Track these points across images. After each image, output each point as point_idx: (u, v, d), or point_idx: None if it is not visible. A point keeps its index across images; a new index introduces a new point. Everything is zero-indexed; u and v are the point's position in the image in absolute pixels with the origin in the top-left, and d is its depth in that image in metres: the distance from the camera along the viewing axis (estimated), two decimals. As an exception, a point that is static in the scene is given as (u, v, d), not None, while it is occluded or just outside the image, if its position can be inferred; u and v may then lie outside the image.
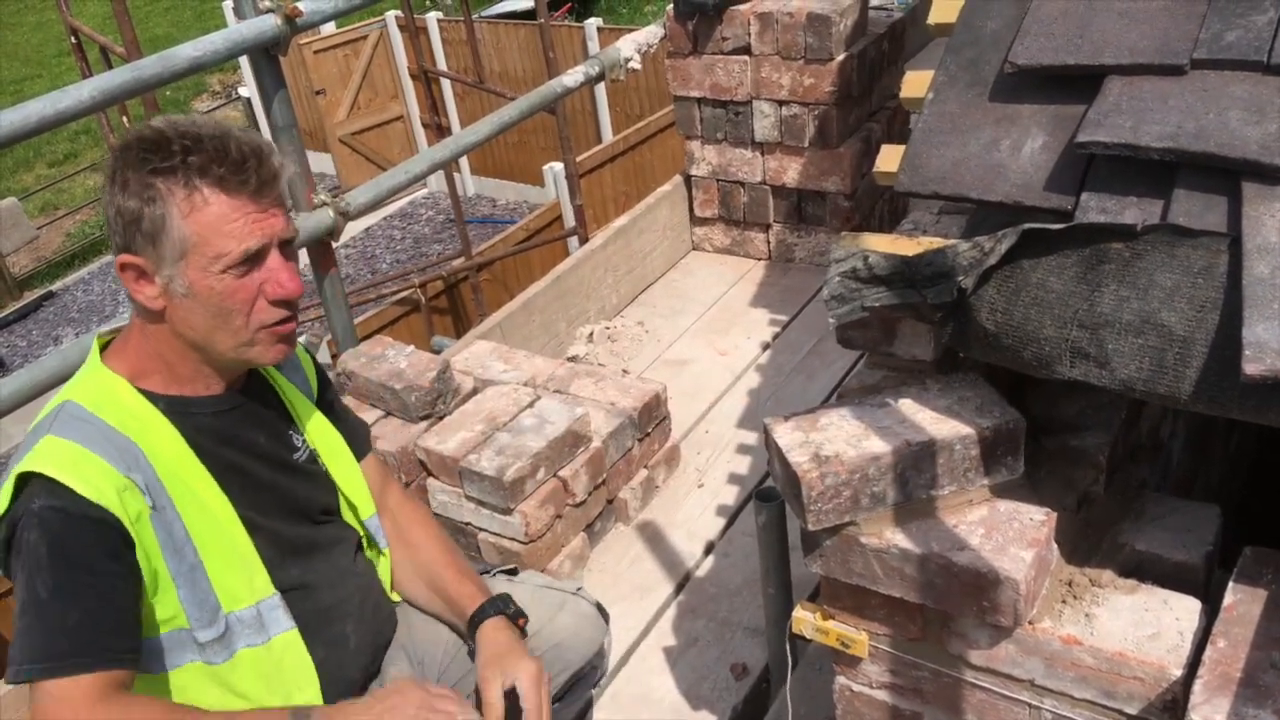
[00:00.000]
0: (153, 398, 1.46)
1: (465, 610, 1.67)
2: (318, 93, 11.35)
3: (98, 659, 1.36)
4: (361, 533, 1.71)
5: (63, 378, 2.30)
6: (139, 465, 1.42)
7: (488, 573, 1.86)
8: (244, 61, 12.18)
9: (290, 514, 1.59)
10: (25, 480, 1.35)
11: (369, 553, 1.72)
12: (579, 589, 1.86)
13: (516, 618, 1.67)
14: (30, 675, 1.34)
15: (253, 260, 1.41)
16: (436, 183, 11.57)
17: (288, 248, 1.46)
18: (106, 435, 1.41)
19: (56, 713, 1.34)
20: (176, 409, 1.47)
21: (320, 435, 1.68)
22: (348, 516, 1.69)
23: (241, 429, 1.54)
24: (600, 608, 1.89)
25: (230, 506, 1.50)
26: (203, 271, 1.39)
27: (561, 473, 2.61)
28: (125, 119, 6.07)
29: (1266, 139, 1.24)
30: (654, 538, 2.80)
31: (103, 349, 1.51)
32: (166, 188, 1.37)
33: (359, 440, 1.77)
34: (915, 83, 1.63)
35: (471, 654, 1.65)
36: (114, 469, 1.38)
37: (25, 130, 2.23)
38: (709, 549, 2.74)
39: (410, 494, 1.84)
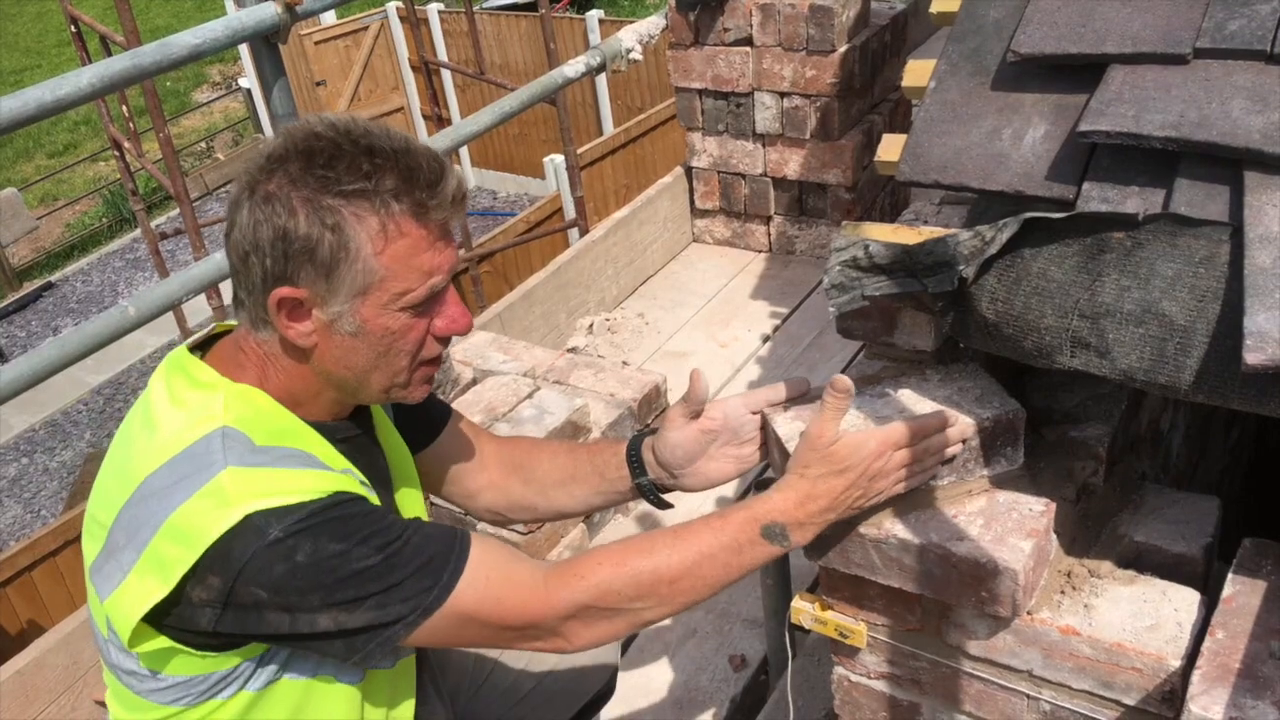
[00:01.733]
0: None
1: (619, 459, 1.58)
2: (318, 84, 11.35)
3: (464, 533, 1.26)
4: None
5: (60, 367, 2.30)
6: (334, 471, 1.26)
7: None
8: (244, 52, 12.18)
9: None
10: (232, 531, 1.13)
11: None
12: None
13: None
14: (429, 605, 1.21)
15: (435, 296, 1.26)
16: (437, 175, 11.55)
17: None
18: (287, 454, 1.23)
19: (514, 576, 1.26)
20: (317, 428, 1.31)
21: (395, 452, 1.54)
22: None
23: (362, 454, 1.39)
24: None
25: None
26: (380, 309, 1.22)
27: (561, 463, 2.61)
28: (125, 108, 6.06)
29: (1269, 128, 1.24)
30: (653, 529, 2.80)
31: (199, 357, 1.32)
32: (354, 214, 1.17)
33: (440, 414, 1.62)
34: (917, 71, 1.62)
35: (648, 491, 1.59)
36: (327, 471, 1.23)
37: (24, 117, 2.23)
38: (708, 540, 2.74)
39: (492, 433, 1.71)
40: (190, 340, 1.36)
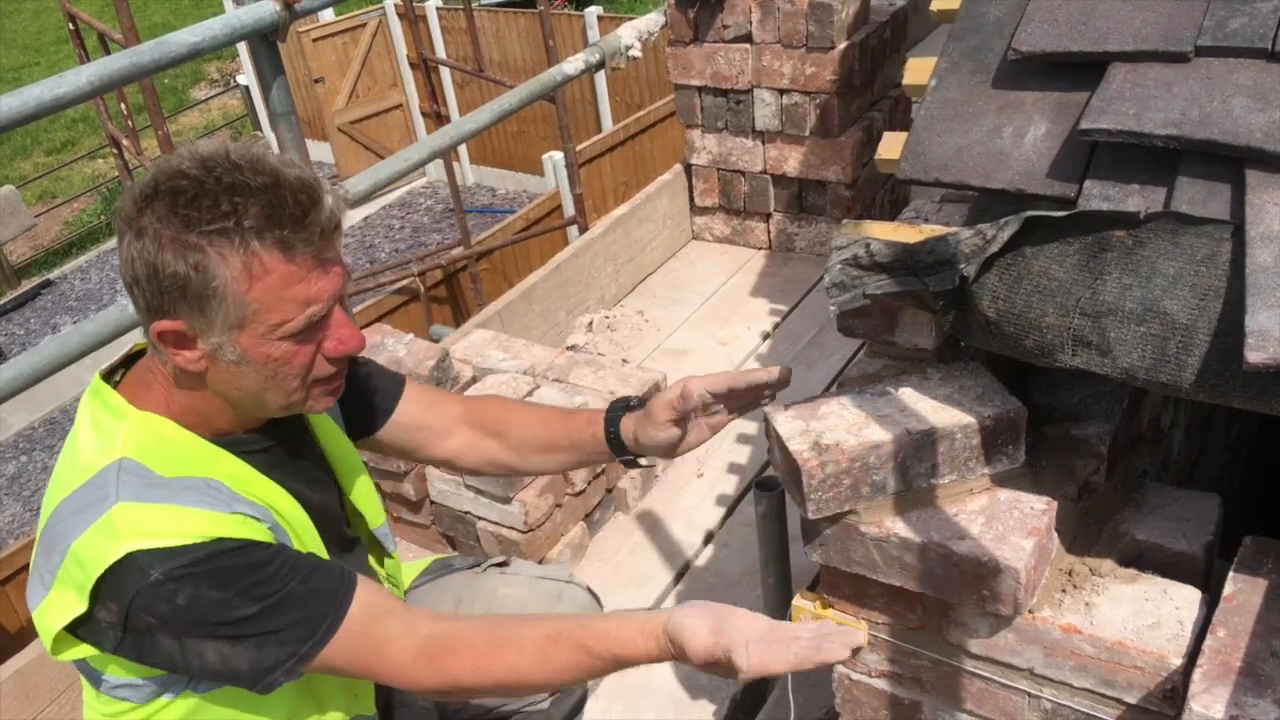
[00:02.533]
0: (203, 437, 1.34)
1: (598, 440, 1.63)
2: (316, 81, 11.33)
3: (351, 584, 1.32)
4: (369, 543, 1.64)
5: (60, 365, 2.30)
6: (236, 500, 1.30)
7: (477, 566, 1.85)
8: (242, 49, 12.17)
9: (338, 541, 1.52)
10: (118, 564, 1.19)
11: (373, 563, 1.65)
12: (570, 576, 1.85)
13: (642, 404, 1.63)
14: (305, 654, 1.27)
15: (316, 325, 1.28)
16: (435, 171, 11.56)
17: (343, 298, 1.32)
18: (185, 485, 1.27)
19: (385, 647, 1.32)
20: (228, 445, 1.35)
21: (336, 447, 1.58)
22: (359, 529, 1.62)
23: (288, 460, 1.44)
24: (593, 594, 1.88)
25: (316, 534, 1.43)
26: (259, 340, 1.24)
27: (561, 461, 2.61)
28: (123, 105, 6.05)
29: (1270, 127, 1.24)
30: (653, 527, 2.80)
31: (113, 383, 1.36)
32: (218, 253, 1.19)
33: (392, 390, 1.67)
34: (918, 69, 1.62)
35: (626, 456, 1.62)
36: (218, 512, 1.26)
37: (23, 115, 2.22)
38: (708, 538, 2.74)
39: (459, 394, 1.75)
40: (108, 365, 1.39)
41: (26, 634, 4.84)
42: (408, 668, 1.34)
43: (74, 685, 2.23)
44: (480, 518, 2.62)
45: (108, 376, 1.38)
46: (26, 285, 11.69)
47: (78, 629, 1.26)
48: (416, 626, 1.36)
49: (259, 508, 1.32)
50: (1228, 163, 1.26)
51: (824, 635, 1.30)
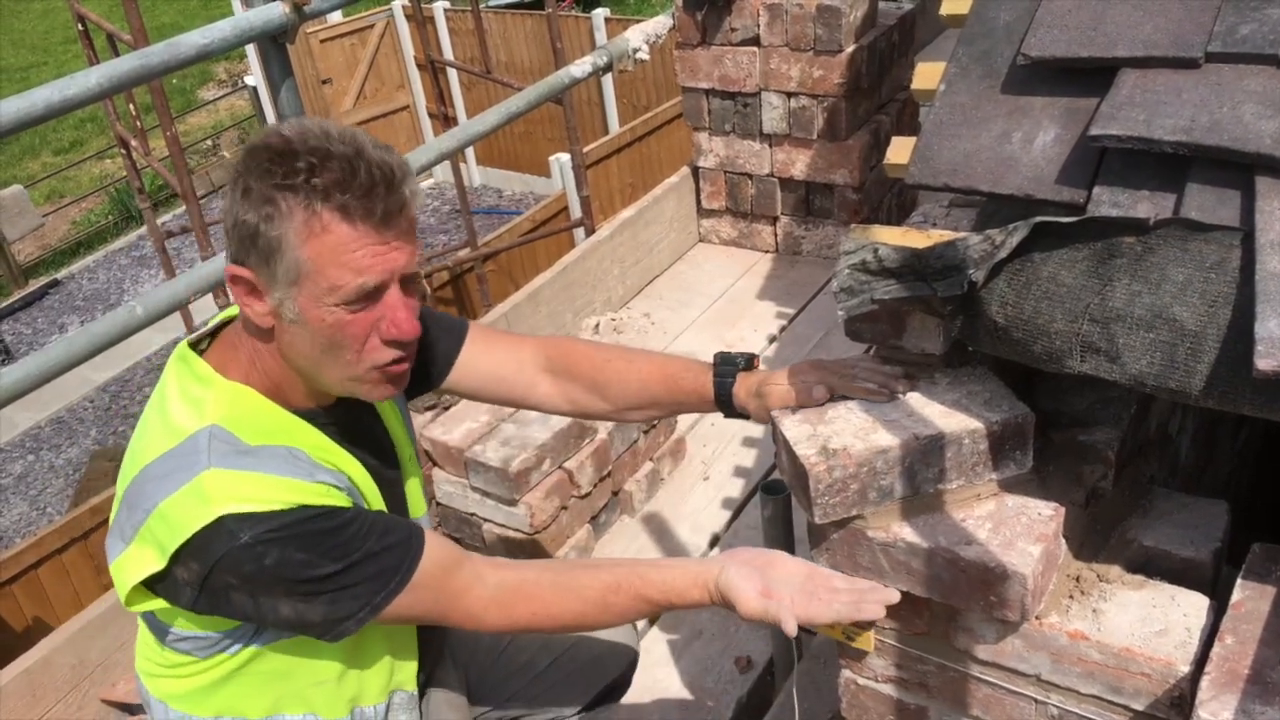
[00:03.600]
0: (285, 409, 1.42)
1: (705, 400, 1.65)
2: (324, 82, 11.34)
3: (420, 539, 1.41)
4: None
5: (67, 367, 2.31)
6: (317, 468, 1.37)
7: None
8: (251, 50, 12.19)
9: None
10: (208, 527, 1.27)
11: None
12: None
13: (750, 363, 1.65)
14: (377, 604, 1.37)
15: (369, 296, 1.32)
16: (442, 173, 11.57)
17: (410, 284, 1.37)
18: (271, 454, 1.34)
19: (460, 596, 1.44)
20: (305, 417, 1.43)
21: (399, 434, 1.64)
22: (414, 514, 1.68)
23: (356, 435, 1.51)
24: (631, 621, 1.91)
25: (384, 505, 1.51)
26: (315, 301, 1.30)
27: (567, 464, 2.61)
28: (131, 106, 6.07)
29: (1281, 133, 1.23)
30: (659, 530, 2.80)
31: (199, 352, 1.44)
32: (287, 206, 1.27)
33: (450, 340, 1.71)
34: (927, 74, 1.62)
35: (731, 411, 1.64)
36: (301, 480, 1.33)
37: (32, 117, 2.23)
38: (714, 542, 2.74)
39: (534, 339, 1.79)
40: (194, 335, 1.47)
41: (34, 633, 4.85)
42: (479, 614, 1.47)
43: (80, 685, 2.24)
44: (486, 520, 2.62)
45: (194, 345, 1.45)
46: (34, 285, 11.71)
47: (154, 584, 1.33)
48: (485, 577, 1.47)
49: (338, 475, 1.40)
50: (1238, 169, 1.25)
51: (860, 590, 1.40)
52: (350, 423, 1.50)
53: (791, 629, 1.39)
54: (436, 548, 1.44)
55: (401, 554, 1.39)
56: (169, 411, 1.39)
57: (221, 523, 1.27)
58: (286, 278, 1.30)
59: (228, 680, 1.45)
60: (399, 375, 1.42)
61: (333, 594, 1.34)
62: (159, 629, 1.42)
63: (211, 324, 1.50)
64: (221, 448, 1.32)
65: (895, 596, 1.39)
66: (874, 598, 1.39)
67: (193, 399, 1.38)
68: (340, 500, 1.37)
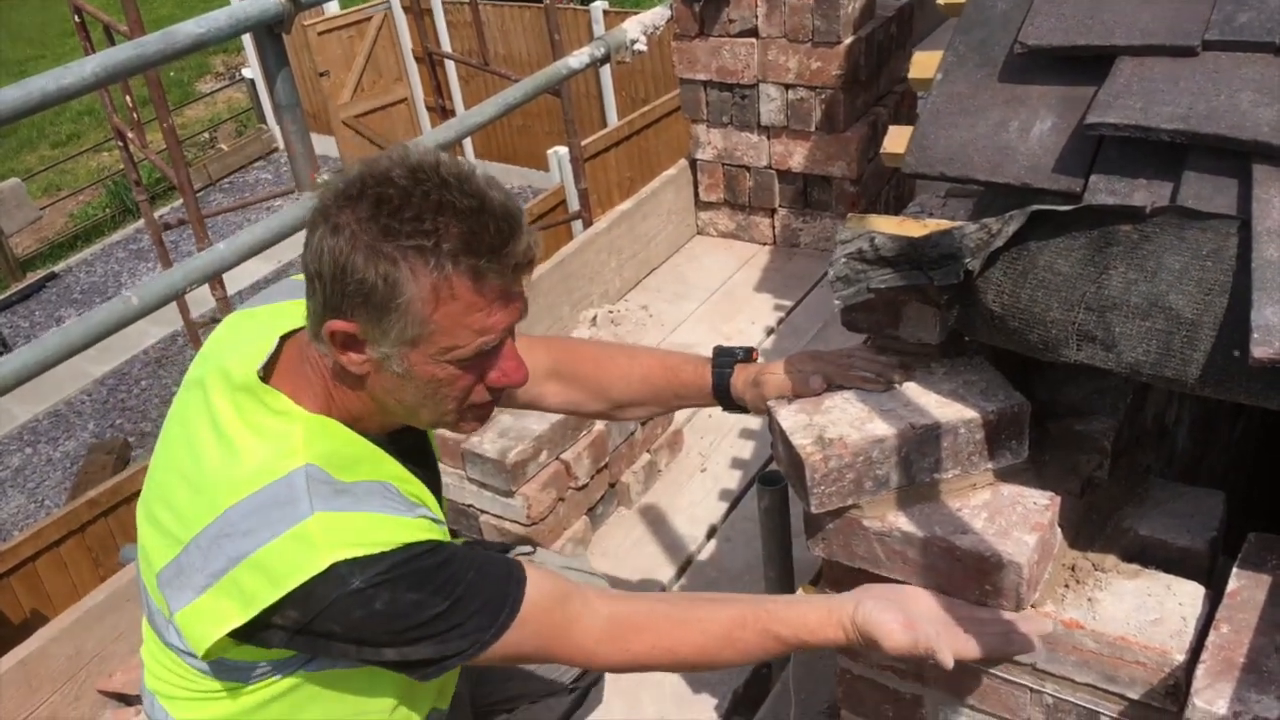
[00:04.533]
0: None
1: (704, 393, 1.64)
2: (321, 74, 11.32)
3: (521, 571, 1.34)
4: None
5: (63, 357, 2.30)
6: (412, 505, 1.32)
7: (506, 551, 1.87)
8: (248, 42, 12.16)
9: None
10: (319, 575, 1.19)
11: None
12: (592, 570, 1.88)
13: (749, 355, 1.64)
14: (487, 641, 1.29)
15: (487, 353, 1.27)
16: (440, 166, 11.52)
17: (514, 329, 1.32)
18: (368, 490, 1.28)
19: (569, 629, 1.35)
20: (378, 444, 1.36)
21: (434, 445, 1.60)
22: None
23: (416, 459, 1.44)
24: None
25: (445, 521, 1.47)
26: (428, 359, 1.23)
27: (564, 456, 2.61)
28: (128, 98, 6.06)
29: (1278, 121, 1.23)
30: (656, 521, 2.80)
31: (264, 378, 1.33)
32: (410, 269, 1.17)
33: None
34: (924, 63, 1.62)
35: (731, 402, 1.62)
36: (405, 517, 1.27)
37: (28, 107, 2.22)
38: (711, 533, 2.74)
39: (542, 340, 1.76)
40: (257, 365, 1.34)
41: (30, 624, 4.86)
42: (592, 649, 1.38)
43: (77, 675, 2.24)
44: (483, 511, 2.62)
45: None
46: (31, 278, 11.70)
47: (245, 636, 1.24)
48: (596, 607, 1.39)
49: (426, 508, 1.35)
50: (1235, 157, 1.25)
51: (1006, 621, 1.32)
52: (409, 445, 1.44)
53: (948, 662, 1.30)
54: (541, 578, 1.37)
55: (505, 586, 1.32)
56: (239, 448, 1.28)
57: (333, 570, 1.19)
58: (401, 337, 1.22)
59: (268, 704, 1.36)
60: (491, 413, 1.39)
61: (442, 635, 1.27)
62: (222, 669, 1.32)
63: (267, 349, 1.36)
64: (322, 490, 1.23)
65: (1048, 627, 1.31)
66: (1025, 628, 1.31)
67: (272, 434, 1.28)
68: (439, 534, 1.32)
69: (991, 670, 1.41)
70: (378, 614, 1.22)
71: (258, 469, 1.25)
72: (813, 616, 1.38)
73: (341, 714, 1.40)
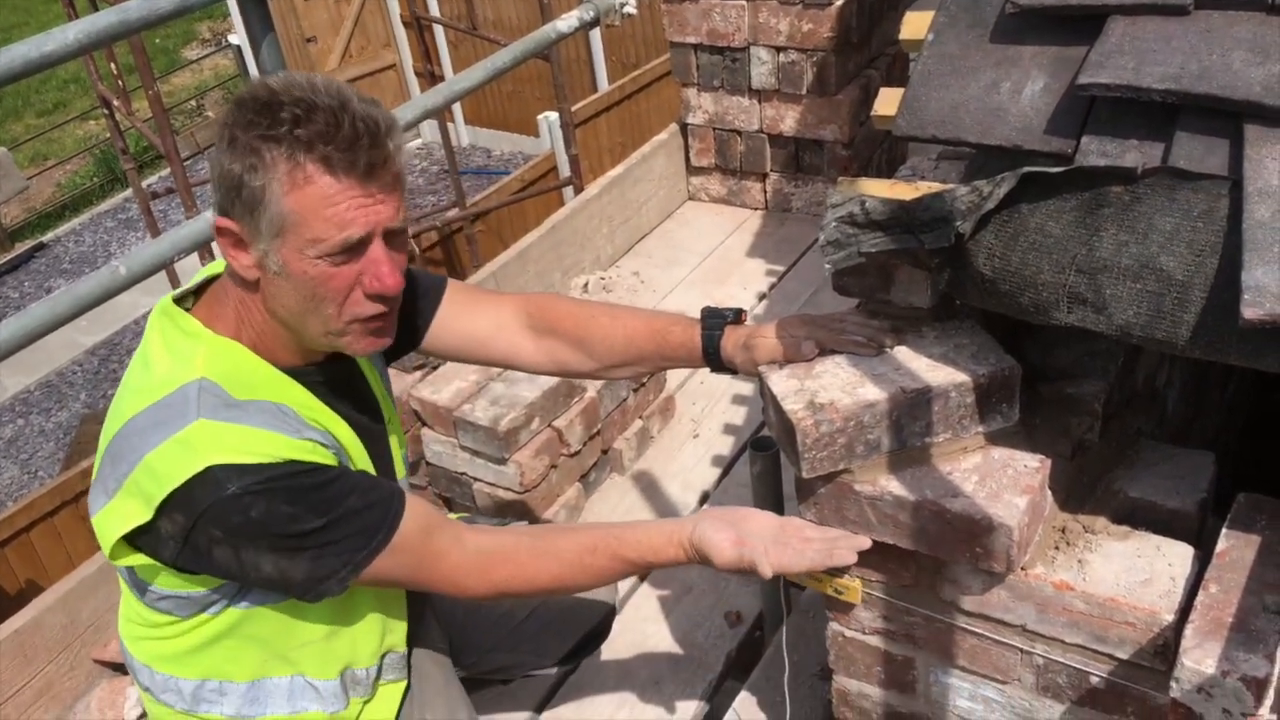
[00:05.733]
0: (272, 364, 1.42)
1: (693, 354, 1.64)
2: (309, 40, 11.20)
3: (402, 499, 1.42)
4: None
5: (51, 328, 2.29)
6: (305, 426, 1.38)
7: (503, 524, 1.89)
8: (233, 7, 12.01)
9: (388, 476, 1.59)
10: (195, 477, 1.27)
11: None
12: None
13: (738, 317, 1.64)
14: (360, 562, 1.37)
15: (353, 249, 1.31)
16: (430, 133, 11.47)
17: (395, 238, 1.36)
18: (260, 408, 1.35)
19: (438, 560, 1.45)
20: (294, 375, 1.43)
21: (380, 392, 1.64)
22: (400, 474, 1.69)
23: (343, 393, 1.51)
24: None
25: (371, 464, 1.51)
26: (298, 253, 1.30)
27: (556, 423, 2.61)
28: (113, 65, 5.99)
29: (1270, 80, 1.22)
30: (649, 488, 2.80)
31: (184, 308, 1.43)
32: (270, 158, 1.26)
33: (428, 300, 1.71)
34: (915, 24, 1.60)
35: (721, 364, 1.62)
36: (288, 436, 1.34)
37: (10, 74, 2.19)
38: (704, 498, 2.75)
39: (514, 296, 1.80)
40: (179, 290, 1.46)
41: (25, 595, 4.87)
42: (459, 579, 1.49)
43: (72, 645, 2.24)
44: (476, 479, 2.62)
45: (178, 300, 1.44)
46: (20, 248, 11.62)
47: (137, 538, 1.33)
48: (464, 541, 1.50)
49: (324, 434, 1.41)
50: (1226, 117, 1.24)
51: (833, 539, 1.43)
52: (338, 381, 1.51)
53: (767, 573, 1.43)
54: (418, 510, 1.45)
55: (383, 513, 1.40)
56: (153, 365, 1.38)
57: (209, 473, 1.27)
58: (270, 229, 1.29)
59: (212, 643, 1.45)
60: (382, 329, 1.42)
61: (315, 550, 1.35)
62: (139, 586, 1.43)
63: (195, 281, 1.50)
64: (210, 400, 1.32)
65: (866, 543, 1.42)
66: (845, 544, 1.42)
67: (179, 352, 1.37)
68: (326, 458, 1.37)
69: (983, 632, 1.42)
70: (253, 521, 1.29)
71: (160, 381, 1.35)
72: (656, 539, 1.51)
73: (281, 647, 1.50)
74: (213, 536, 1.30)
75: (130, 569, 1.40)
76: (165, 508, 1.29)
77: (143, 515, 1.30)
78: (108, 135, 10.82)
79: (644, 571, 1.56)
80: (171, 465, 1.28)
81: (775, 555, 1.44)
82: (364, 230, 1.31)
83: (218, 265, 1.48)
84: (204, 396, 1.32)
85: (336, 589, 1.39)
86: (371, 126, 1.28)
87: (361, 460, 1.49)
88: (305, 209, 1.28)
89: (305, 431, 1.37)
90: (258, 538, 1.31)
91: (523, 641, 1.90)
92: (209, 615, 1.43)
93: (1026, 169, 1.25)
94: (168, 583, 1.39)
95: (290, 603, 1.45)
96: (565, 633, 1.93)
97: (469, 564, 1.48)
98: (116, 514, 1.33)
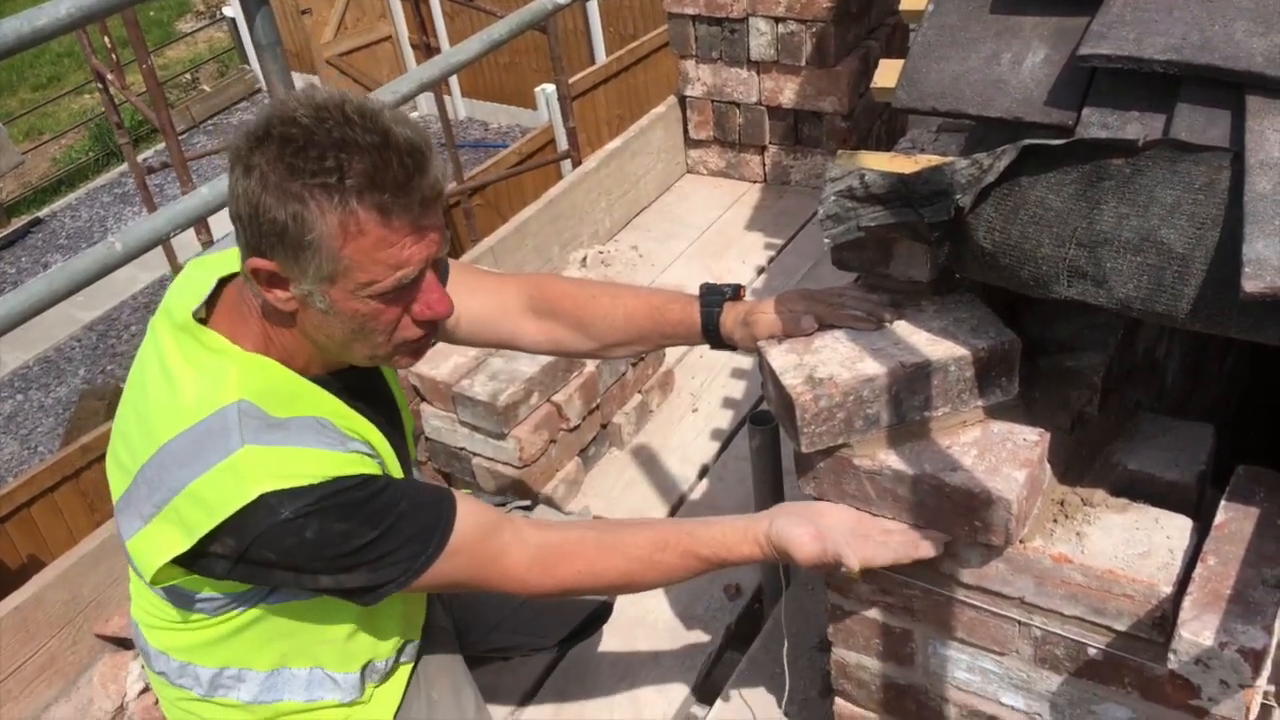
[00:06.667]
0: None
1: (692, 331, 1.63)
2: (303, 12, 11.13)
3: (453, 500, 1.40)
4: None
5: (48, 304, 2.28)
6: (346, 438, 1.36)
7: (504, 505, 1.88)
8: (228, -19, 11.92)
9: (408, 473, 1.58)
10: (248, 506, 1.25)
11: None
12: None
13: (737, 293, 1.63)
14: (418, 568, 1.36)
15: (406, 287, 1.29)
16: (427, 105, 11.41)
17: (438, 263, 1.35)
18: (302, 425, 1.32)
19: (500, 558, 1.42)
20: (321, 384, 1.41)
21: (395, 386, 1.64)
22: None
23: (367, 398, 1.49)
24: None
25: (399, 466, 1.50)
26: (348, 295, 1.26)
27: (555, 398, 2.61)
28: (107, 39, 5.95)
29: (1272, 51, 1.21)
30: (648, 462, 2.81)
31: (198, 318, 1.38)
32: (318, 207, 1.20)
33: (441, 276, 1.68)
34: (914, -5, 1.59)
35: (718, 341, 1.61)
36: (336, 451, 1.32)
37: (2, 49, 2.17)
38: (703, 473, 2.75)
39: (517, 276, 1.78)
40: (191, 302, 1.40)
41: (27, 570, 4.89)
42: (523, 576, 1.45)
43: (74, 620, 2.25)
44: (476, 454, 2.62)
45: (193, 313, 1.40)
46: (16, 223, 11.59)
47: (188, 563, 1.31)
48: (525, 536, 1.46)
49: (365, 444, 1.39)
50: (1228, 88, 1.23)
51: (911, 533, 1.39)
52: (359, 385, 1.48)
53: (854, 566, 1.38)
54: (472, 509, 1.43)
55: (434, 516, 1.38)
56: (180, 385, 1.34)
57: (262, 500, 1.25)
58: (318, 274, 1.24)
59: (234, 636, 1.44)
60: (426, 347, 1.41)
61: (373, 562, 1.33)
62: (181, 597, 1.40)
63: (205, 291, 1.42)
64: (253, 424, 1.28)
65: (947, 536, 1.37)
66: (930, 536, 1.38)
67: (208, 371, 1.33)
68: (371, 468, 1.36)
69: (981, 604, 1.43)
70: (308, 543, 1.28)
71: (194, 404, 1.31)
72: (731, 536, 1.48)
73: (304, 642, 1.49)
74: (268, 559, 1.29)
75: (176, 584, 1.38)
76: (215, 535, 1.26)
77: (183, 544, 1.27)
78: (102, 110, 10.77)
79: (716, 569, 1.51)
80: (222, 494, 1.25)
81: (859, 548, 1.39)
82: (418, 269, 1.28)
83: (220, 262, 1.43)
84: (245, 420, 1.28)
85: (395, 591, 1.37)
86: (418, 159, 1.23)
87: (391, 461, 1.47)
88: (359, 256, 1.23)
89: (349, 444, 1.35)
90: (314, 559, 1.30)
91: (525, 623, 1.90)
92: (237, 612, 1.42)
93: (1027, 141, 1.24)
94: (204, 587, 1.37)
95: (319, 602, 1.43)
96: (567, 615, 1.93)
97: (532, 560, 1.45)
98: (154, 541, 1.30)
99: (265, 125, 1.22)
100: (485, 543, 1.42)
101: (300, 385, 1.37)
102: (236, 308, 1.38)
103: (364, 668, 1.57)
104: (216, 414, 1.29)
